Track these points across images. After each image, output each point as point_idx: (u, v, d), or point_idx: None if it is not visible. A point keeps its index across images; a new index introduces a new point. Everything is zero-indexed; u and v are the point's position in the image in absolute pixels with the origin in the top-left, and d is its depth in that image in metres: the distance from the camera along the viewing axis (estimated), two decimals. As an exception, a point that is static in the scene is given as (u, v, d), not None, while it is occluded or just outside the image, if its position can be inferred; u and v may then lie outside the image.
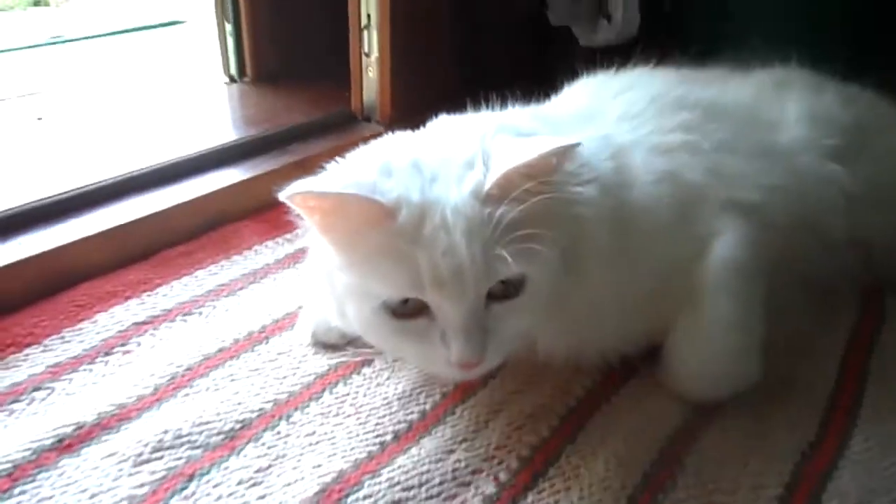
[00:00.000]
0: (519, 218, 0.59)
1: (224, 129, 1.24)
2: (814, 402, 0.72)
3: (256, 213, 1.06)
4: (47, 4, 2.44)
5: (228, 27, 1.43)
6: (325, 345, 0.78)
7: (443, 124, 0.71)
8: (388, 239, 0.59)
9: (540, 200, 0.59)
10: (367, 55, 1.21)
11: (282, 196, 0.58)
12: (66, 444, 0.64)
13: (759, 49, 0.97)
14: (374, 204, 0.58)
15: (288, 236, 1.01)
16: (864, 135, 0.87)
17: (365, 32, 1.20)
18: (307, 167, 1.22)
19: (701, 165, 0.76)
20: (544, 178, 0.60)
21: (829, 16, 1.25)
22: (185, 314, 0.84)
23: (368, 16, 1.18)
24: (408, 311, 0.60)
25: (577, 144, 0.61)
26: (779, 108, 0.88)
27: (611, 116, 0.79)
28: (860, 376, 0.76)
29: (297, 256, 0.96)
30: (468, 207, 0.59)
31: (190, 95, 1.43)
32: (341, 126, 1.23)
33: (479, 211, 0.59)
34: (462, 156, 0.62)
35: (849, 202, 0.83)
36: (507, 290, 0.61)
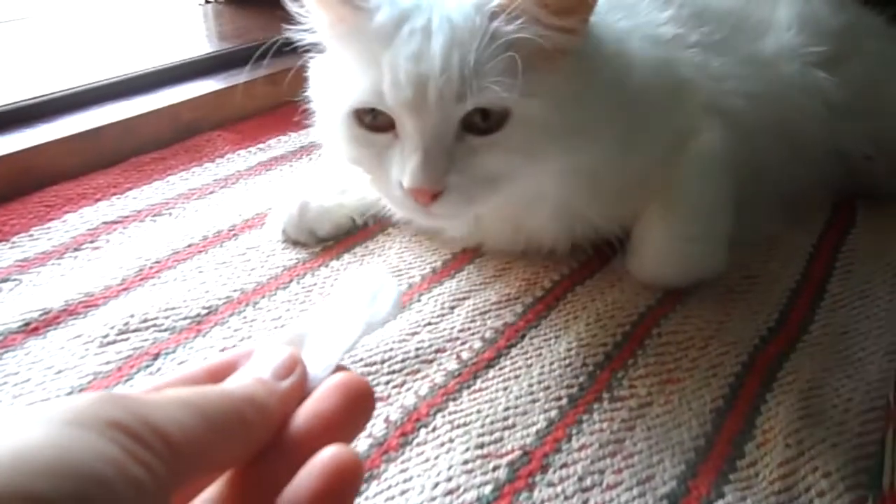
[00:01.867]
0: (526, 43, 0.52)
1: (198, 43, 1.22)
2: (777, 294, 0.72)
3: (230, 123, 1.05)
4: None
5: (203, -55, 1.40)
6: (295, 242, 0.78)
7: None
8: (364, 38, 0.56)
9: (560, 34, 0.54)
10: (344, -32, 1.19)
11: None
12: (33, 328, 0.64)
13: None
14: (352, 9, 0.55)
15: (261, 146, 1.01)
16: (853, 41, 0.86)
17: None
18: (279, 81, 1.20)
19: (690, 62, 0.74)
20: (572, 17, 0.54)
21: None
22: (155, 215, 0.84)
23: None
24: (375, 125, 0.57)
25: None
26: (769, 10, 0.86)
27: (602, 4, 0.77)
28: (825, 272, 0.77)
29: (269, 164, 0.96)
30: (462, 16, 0.53)
31: (165, 15, 1.41)
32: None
33: (473, 21, 0.53)
34: None
35: (832, 112, 0.82)
36: (489, 126, 0.56)
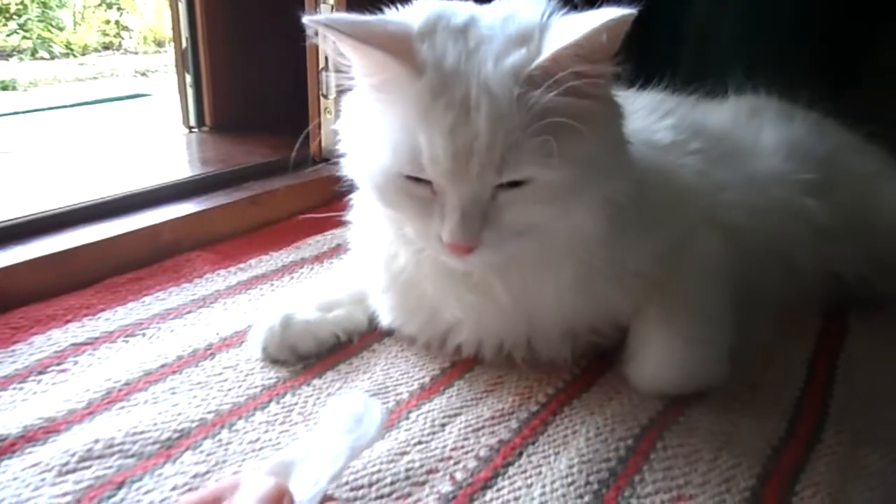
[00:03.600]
0: (562, 111, 0.55)
1: (180, 167, 1.22)
2: (782, 402, 0.69)
3: (210, 244, 1.03)
4: (15, 88, 2.44)
5: (189, 78, 1.44)
6: (276, 360, 0.74)
7: None
8: (404, 105, 0.57)
9: (588, 94, 0.56)
10: (325, 96, 1.22)
11: (306, 19, 0.56)
12: (-13, 457, 0.59)
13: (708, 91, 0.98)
14: (399, 64, 0.56)
15: (241, 265, 0.98)
16: (839, 167, 0.87)
17: (322, 74, 1.21)
18: (262, 203, 1.20)
19: (692, 168, 0.75)
20: (597, 70, 0.56)
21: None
22: (127, 336, 0.79)
23: (326, 58, 1.20)
24: (418, 177, 0.59)
25: (632, 14, 0.53)
26: (754, 135, 0.87)
27: None
28: (827, 380, 0.74)
29: (250, 283, 0.93)
30: (500, 86, 0.55)
31: (150, 144, 1.42)
32: (298, 166, 1.22)
33: (512, 92, 0.55)
34: (517, 28, 0.59)
35: (821, 237, 0.82)
36: (517, 182, 0.58)
